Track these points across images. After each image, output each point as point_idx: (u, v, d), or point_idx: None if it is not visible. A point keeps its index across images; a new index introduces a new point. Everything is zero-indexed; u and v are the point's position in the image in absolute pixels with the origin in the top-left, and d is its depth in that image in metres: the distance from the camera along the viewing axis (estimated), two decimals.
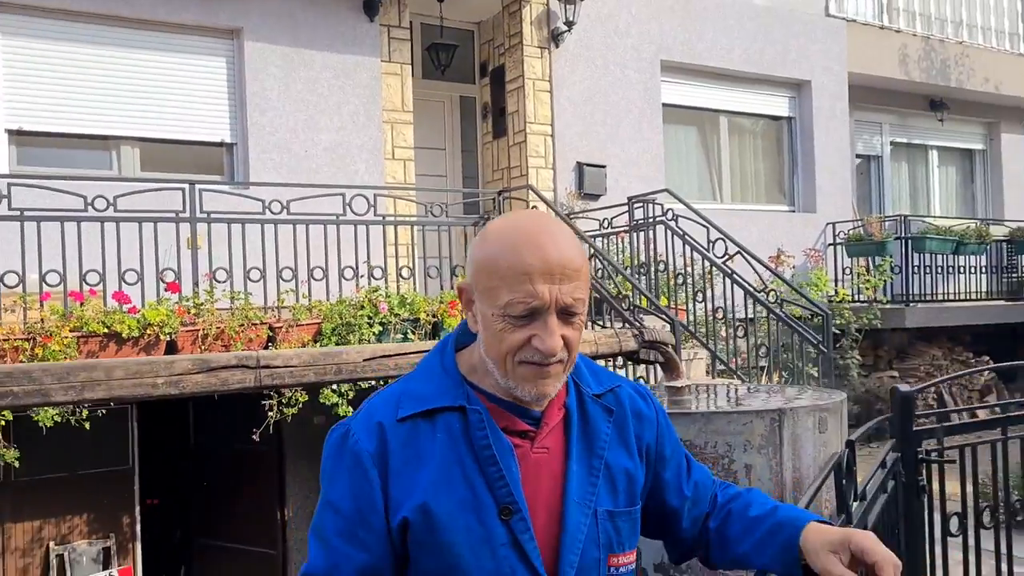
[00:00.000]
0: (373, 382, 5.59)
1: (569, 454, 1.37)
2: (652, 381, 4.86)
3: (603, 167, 8.63)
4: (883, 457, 3.27)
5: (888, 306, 9.56)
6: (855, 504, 2.65)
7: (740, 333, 6.61)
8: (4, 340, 4.86)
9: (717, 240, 6.71)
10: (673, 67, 9.32)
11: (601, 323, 6.12)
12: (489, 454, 1.31)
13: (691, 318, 7.17)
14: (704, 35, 9.43)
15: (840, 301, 9.27)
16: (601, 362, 5.36)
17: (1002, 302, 10.90)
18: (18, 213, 5.15)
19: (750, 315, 6.84)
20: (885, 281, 9.57)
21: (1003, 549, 3.89)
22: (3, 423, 5.00)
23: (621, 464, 1.43)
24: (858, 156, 11.54)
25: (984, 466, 3.87)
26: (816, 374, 8.15)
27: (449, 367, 1.38)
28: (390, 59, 7.77)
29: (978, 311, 10.38)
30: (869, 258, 9.74)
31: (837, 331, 9.07)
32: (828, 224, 10.07)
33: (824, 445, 2.52)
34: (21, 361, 4.57)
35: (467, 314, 1.37)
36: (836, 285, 9.66)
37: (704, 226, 6.78)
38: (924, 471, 3.58)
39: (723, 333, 7.13)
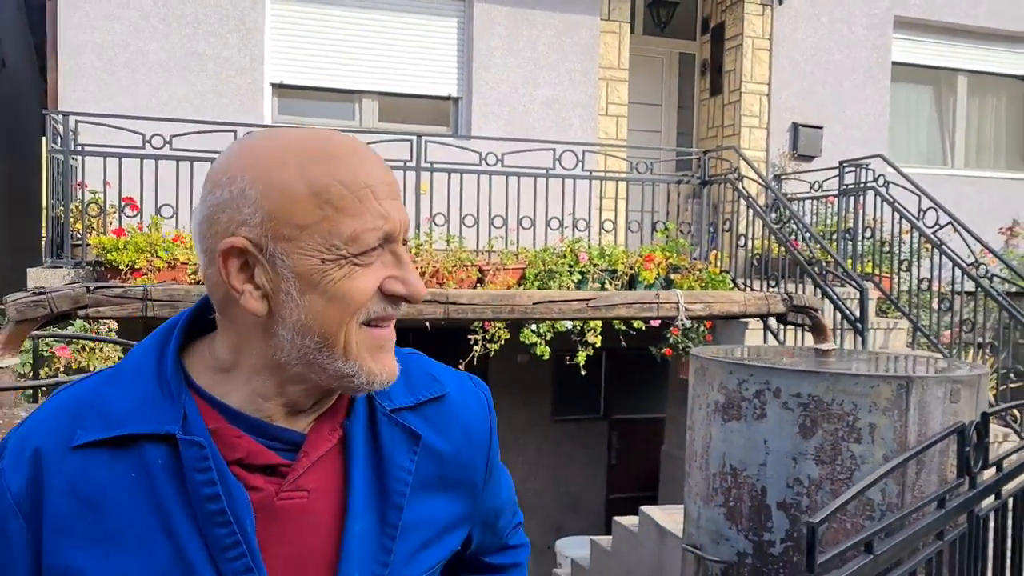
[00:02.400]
0: (570, 324, 6.08)
1: (348, 503, 0.95)
2: (800, 343, 4.97)
3: (820, 128, 8.48)
4: None
5: None
6: (985, 472, 2.78)
7: (945, 307, 6.42)
8: None
9: (929, 209, 6.51)
10: (908, 23, 8.89)
11: (792, 285, 6.21)
12: (216, 508, 0.89)
13: (897, 288, 7.02)
14: None
15: None
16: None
17: None
18: None
19: (965, 290, 6.61)
20: None
21: None
22: None
23: (435, 514, 1.03)
24: None
25: None
26: None
27: (167, 370, 0.93)
28: (609, 17, 8.05)
29: None
30: None
31: None
32: None
33: (955, 414, 2.66)
34: None
35: (234, 288, 0.89)
36: None
37: (916, 194, 6.59)
38: None
39: (933, 306, 6.93)
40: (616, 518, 5.61)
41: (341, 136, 0.94)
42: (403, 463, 0.99)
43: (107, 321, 4.86)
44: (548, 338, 6.28)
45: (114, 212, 6.03)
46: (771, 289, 6.08)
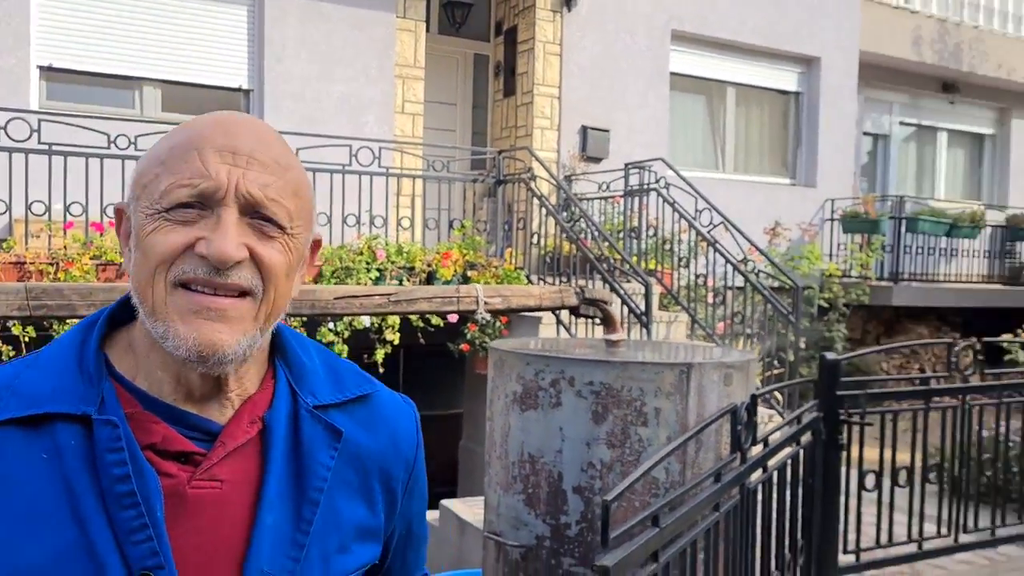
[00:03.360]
0: (368, 321, 6.04)
1: (262, 494, 0.93)
2: (592, 335, 5.27)
3: (607, 131, 8.91)
4: (798, 414, 3.66)
5: (877, 283, 9.85)
6: (754, 448, 3.05)
7: (719, 301, 6.96)
8: (31, 263, 5.32)
9: (704, 210, 7.03)
10: (684, 37, 9.53)
11: (583, 281, 6.50)
12: (125, 490, 0.87)
13: (677, 284, 7.52)
14: (717, 6, 9.62)
15: (830, 276, 9.57)
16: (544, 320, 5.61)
17: (999, 286, 11.15)
18: (47, 147, 5.56)
19: (736, 285, 7.20)
20: (876, 259, 9.84)
21: (915, 506, 4.28)
22: (27, 339, 5.46)
23: (351, 516, 1.01)
24: (866, 134, 11.72)
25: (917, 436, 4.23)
26: (802, 345, 8.52)
27: (89, 352, 0.93)
28: (404, 15, 8.06)
29: (967, 293, 10.65)
30: (864, 235, 10.01)
31: (825, 305, 9.41)
32: (827, 200, 10.33)
33: (728, 396, 2.89)
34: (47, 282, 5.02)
35: (124, 252, 0.95)
36: (830, 260, 9.95)
37: (693, 195, 7.09)
38: (845, 431, 3.97)
39: (709, 300, 7.48)
40: None
41: (228, 112, 0.98)
42: (323, 459, 0.98)
43: None
44: (346, 336, 6.21)
45: None
46: (565, 283, 6.33)
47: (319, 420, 0.99)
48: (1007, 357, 6.98)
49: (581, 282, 6.56)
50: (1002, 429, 4.71)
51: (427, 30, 8.43)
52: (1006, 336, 6.86)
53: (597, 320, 3.20)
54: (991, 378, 4.60)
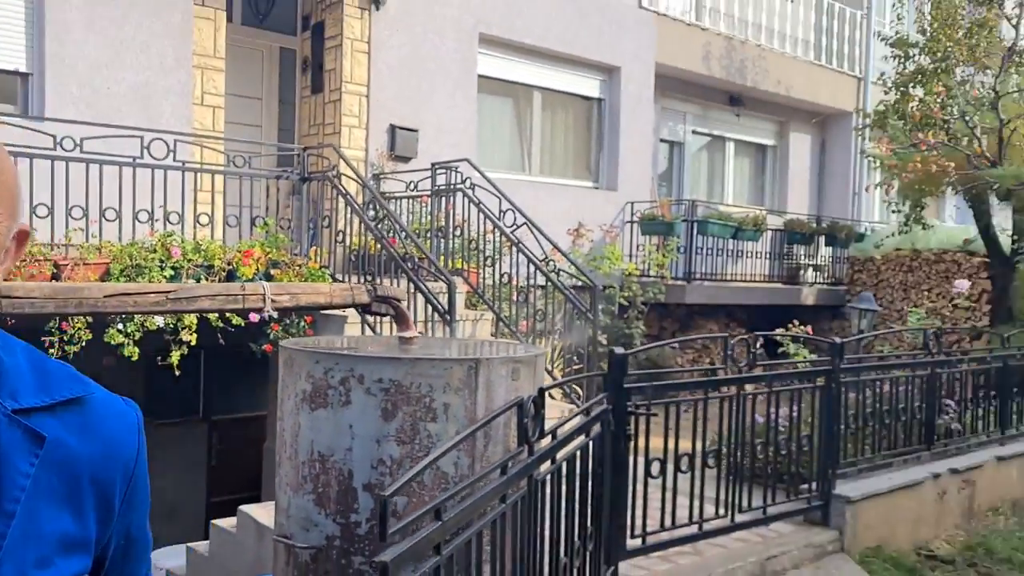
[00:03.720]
0: (162, 321, 5.75)
1: None
2: (388, 333, 5.32)
3: (415, 131, 8.93)
4: (587, 407, 3.83)
5: (672, 282, 10.45)
6: (542, 440, 3.16)
7: (523, 299, 7.15)
8: None
9: (508, 210, 7.20)
10: (491, 40, 9.71)
11: (389, 280, 6.48)
12: None
13: (483, 283, 7.65)
14: (523, 12, 9.86)
15: (629, 275, 10.05)
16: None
17: (780, 285, 12.11)
18: None
19: (539, 283, 7.41)
20: (671, 259, 10.43)
21: (696, 489, 4.59)
22: None
23: (55, 527, 0.95)
24: (663, 141, 12.40)
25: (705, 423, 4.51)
26: (604, 341, 8.88)
27: None
28: (203, 3, 7.72)
29: (752, 291, 11.51)
30: (660, 237, 10.58)
31: (625, 303, 9.87)
32: (628, 203, 10.84)
33: (516, 391, 2.98)
34: None
35: None
36: (630, 260, 10.45)
37: (497, 196, 7.24)
38: (632, 422, 4.19)
39: (514, 298, 7.66)
40: (214, 521, 5.42)
41: None
42: (21, 467, 0.91)
43: None
44: (137, 338, 5.88)
45: None
46: (371, 282, 6.29)
47: (18, 424, 0.93)
48: (780, 350, 7.60)
49: (388, 282, 6.55)
50: (773, 416, 5.13)
51: (228, 20, 8.12)
52: (779, 331, 7.46)
53: (391, 317, 3.21)
54: (762, 369, 5.00)
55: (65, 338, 5.62)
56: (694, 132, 12.80)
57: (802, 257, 12.42)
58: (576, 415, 3.60)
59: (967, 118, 9.12)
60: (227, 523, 5.36)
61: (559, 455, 3.32)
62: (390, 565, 1.93)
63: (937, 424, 6.31)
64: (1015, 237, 9.09)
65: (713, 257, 10.86)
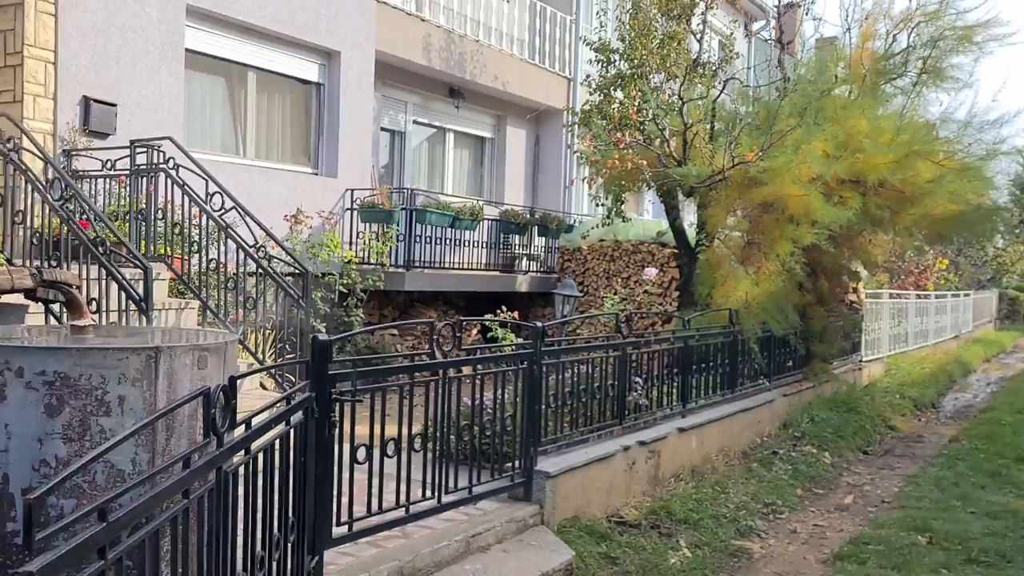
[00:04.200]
0: None
1: None
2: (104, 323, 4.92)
3: (114, 105, 8.23)
4: (288, 394, 3.75)
5: (391, 270, 10.51)
6: (235, 431, 3.04)
7: (231, 286, 6.85)
8: None
9: (215, 193, 6.85)
10: (201, 13, 9.17)
11: (80, 267, 5.94)
12: None
13: (190, 269, 7.23)
14: None
15: (349, 262, 9.97)
16: None
17: (497, 273, 12.58)
18: None
19: (250, 271, 7.13)
20: (391, 247, 10.49)
21: (403, 473, 4.65)
22: None
23: None
24: (384, 130, 12.41)
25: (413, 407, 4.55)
26: (323, 329, 8.73)
27: None
28: None
29: (470, 279, 11.87)
30: (380, 225, 10.59)
31: (344, 290, 9.78)
32: (348, 190, 10.73)
33: (203, 380, 2.84)
34: None
35: None
36: (350, 248, 10.37)
37: (204, 178, 6.87)
38: (337, 408, 4.16)
39: (226, 286, 7.31)
40: None
41: None
42: None
43: None
44: None
45: None
46: (36, 265, 5.71)
47: None
48: (489, 335, 7.91)
49: (77, 267, 5.99)
50: (479, 398, 5.31)
51: None
52: (487, 316, 7.75)
53: (62, 303, 2.93)
54: (467, 354, 5.16)
55: None
56: (415, 122, 12.94)
57: (518, 247, 13.00)
58: (273, 404, 3.51)
59: (658, 121, 10.00)
60: None
61: (254, 445, 3.21)
62: (36, 575, 1.76)
63: (628, 400, 6.87)
64: (698, 230, 10.10)
65: (432, 246, 11.06)
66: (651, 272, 10.61)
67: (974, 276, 32.57)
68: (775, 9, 13.39)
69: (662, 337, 7.97)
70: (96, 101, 8.09)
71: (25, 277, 2.71)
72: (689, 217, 11.49)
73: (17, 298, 4.57)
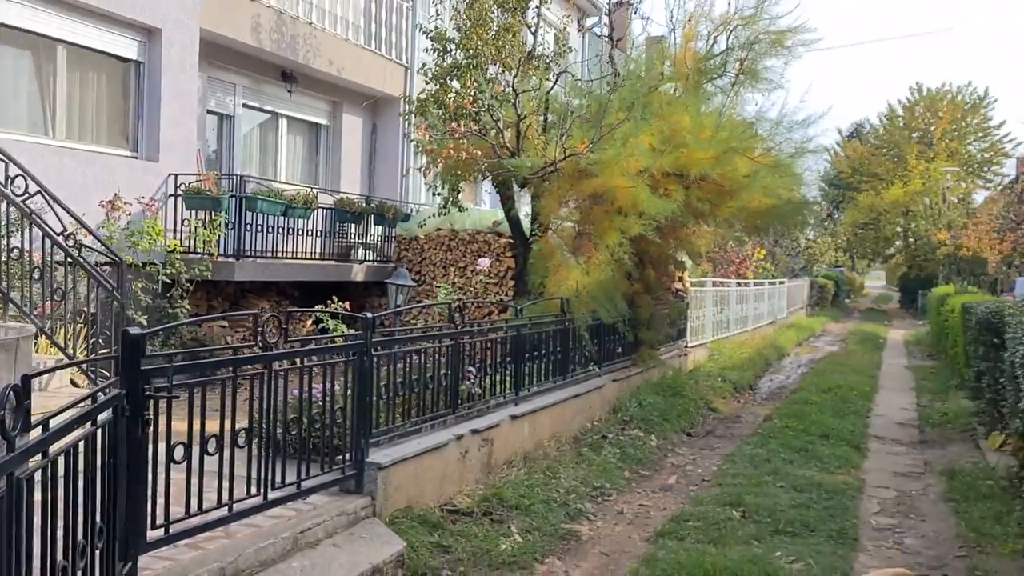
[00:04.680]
0: None
1: None
2: None
3: None
4: (94, 392, 3.52)
5: (220, 259, 10.09)
6: (29, 434, 2.83)
7: (37, 276, 6.37)
8: None
9: (17, 176, 6.35)
10: None
11: None
12: None
13: None
14: None
15: (173, 251, 9.50)
16: None
17: (333, 262, 12.32)
18: None
19: (55, 259, 6.65)
20: (219, 236, 10.06)
21: (227, 470, 4.48)
22: None
23: None
24: (211, 113, 11.88)
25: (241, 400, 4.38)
26: (145, 322, 8.28)
27: None
28: None
29: (305, 268, 11.57)
30: (208, 212, 10.14)
31: (168, 281, 9.31)
32: (171, 175, 10.20)
33: None
34: None
35: None
36: (174, 236, 9.87)
37: (3, 160, 6.35)
38: (152, 406, 3.95)
39: (30, 276, 6.79)
40: None
41: None
42: None
43: None
44: None
45: None
46: None
47: None
48: (320, 326, 7.75)
49: None
50: (307, 391, 5.19)
51: None
52: (318, 307, 7.59)
53: None
54: (295, 345, 5.03)
55: None
56: (245, 106, 12.46)
57: (354, 236, 12.79)
58: (77, 402, 3.28)
59: (493, 112, 10.08)
60: None
61: (53, 448, 3.00)
62: None
63: (461, 389, 6.92)
64: (533, 220, 10.28)
65: (264, 234, 10.70)
66: (484, 262, 10.71)
67: (788, 265, 34.93)
68: (607, 6, 13.80)
69: (496, 326, 8.07)
70: None
71: None
72: (524, 207, 11.66)
73: None
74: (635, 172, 9.23)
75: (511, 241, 11.58)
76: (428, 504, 6.05)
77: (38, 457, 2.89)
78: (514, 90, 9.99)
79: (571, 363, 9.41)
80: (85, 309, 6.66)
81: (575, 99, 11.00)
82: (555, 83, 10.57)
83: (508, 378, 7.87)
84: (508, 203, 10.72)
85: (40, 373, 2.81)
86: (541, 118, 10.24)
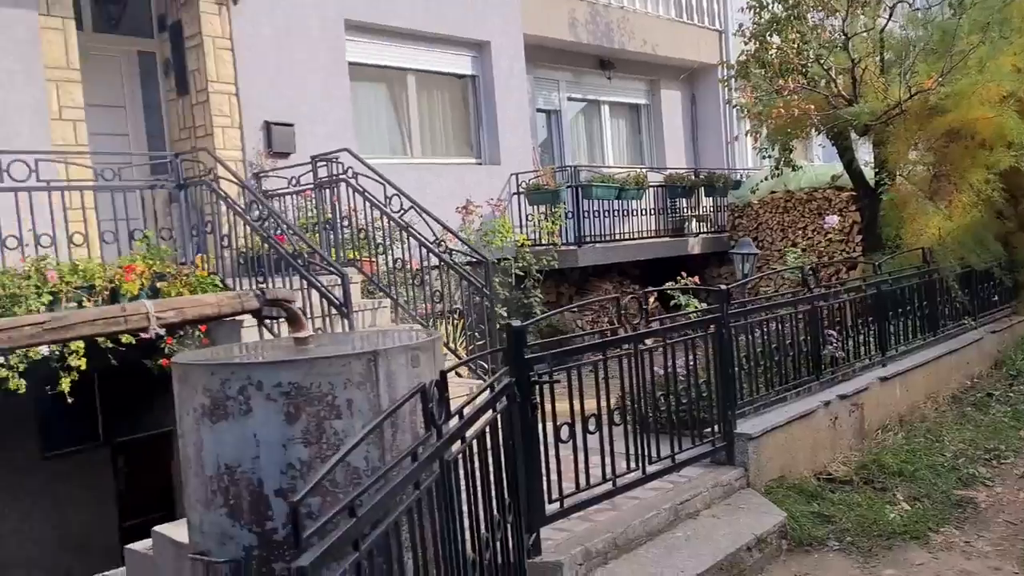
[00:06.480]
0: (46, 350, 5.53)
1: None
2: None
3: (291, 125, 8.77)
4: (491, 382, 3.90)
5: (563, 248, 10.62)
6: (450, 422, 3.22)
7: (418, 282, 7.17)
8: None
9: (393, 196, 7.18)
10: (358, 26, 9.59)
11: (282, 280, 6.40)
12: None
13: (378, 270, 7.63)
14: None
15: (522, 246, 10.17)
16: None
17: (668, 238, 12.46)
18: None
19: (433, 264, 7.44)
20: (560, 226, 10.60)
21: (607, 447, 4.74)
22: None
23: None
24: (540, 111, 12.52)
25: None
26: (504, 313, 8.99)
27: None
28: (48, 12, 7.37)
29: (642, 248, 11.81)
30: (547, 205, 10.73)
31: (520, 273, 10.00)
32: (512, 175, 10.93)
33: (417, 377, 3.03)
34: None
35: None
36: (521, 231, 10.57)
37: (381, 183, 7.21)
38: (537, 391, 4.29)
39: (411, 282, 7.66)
40: (128, 546, 5.29)
41: None
42: None
43: None
44: (22, 369, 5.65)
45: None
46: (260, 286, 6.20)
47: None
48: (672, 302, 7.86)
49: (281, 281, 6.46)
50: (671, 367, 5.32)
51: (79, 27, 7.77)
52: (668, 284, 7.71)
53: (283, 319, 3.20)
54: (656, 324, 5.18)
55: None
56: (569, 99, 12.96)
57: (685, 209, 12.80)
58: (481, 392, 3.67)
59: (822, 61, 9.53)
60: (142, 546, 5.24)
61: (468, 434, 3.38)
62: (308, 569, 1.96)
63: (823, 354, 6.66)
64: (877, 169, 9.58)
65: (601, 219, 11.08)
66: (833, 220, 10.17)
67: None
68: None
69: (852, 286, 7.65)
70: (276, 124, 8.65)
71: (251, 299, 2.98)
72: (864, 157, 10.90)
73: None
74: (997, 99, 8.23)
75: (853, 194, 10.89)
76: (802, 473, 5.92)
77: (458, 443, 3.28)
78: (844, 34, 9.37)
79: (940, 317, 8.64)
80: (457, 306, 7.37)
81: (915, 31, 10.05)
82: (889, 18, 9.73)
83: (871, 339, 7.43)
84: (847, 155, 10.08)
85: (451, 368, 3.18)
86: (877, 59, 9.49)
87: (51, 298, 5.86)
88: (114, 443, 9.19)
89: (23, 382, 5.60)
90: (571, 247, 10.79)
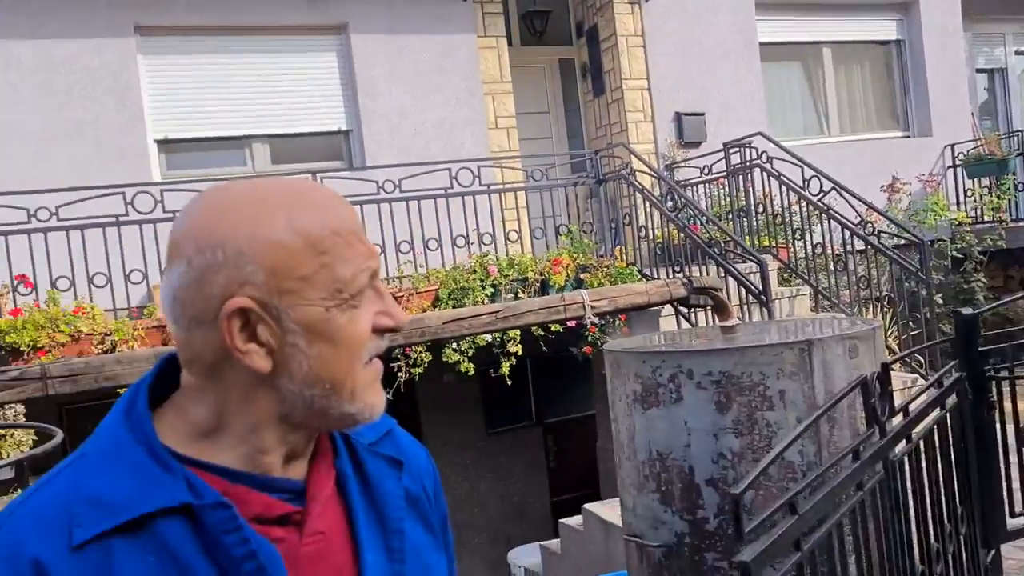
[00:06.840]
0: (489, 337, 6.14)
1: (359, 537, 0.98)
2: (713, 322, 5.18)
3: (702, 115, 8.76)
4: (938, 377, 3.50)
5: (1013, 225, 9.29)
6: (894, 419, 2.94)
7: (841, 268, 6.73)
8: None
9: (812, 177, 6.82)
10: (768, 4, 9.28)
11: (697, 268, 6.41)
12: (252, 567, 0.88)
13: (795, 256, 7.31)
14: None
15: (960, 225, 9.10)
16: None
17: None
18: (171, 215, 5.92)
19: (857, 248, 6.94)
20: (1008, 200, 9.29)
21: None
22: None
23: (421, 539, 1.06)
24: (979, 71, 11.08)
25: None
26: (940, 300, 8.13)
27: (151, 443, 0.89)
28: (485, 33, 8.16)
29: None
30: (991, 177, 9.46)
31: (959, 255, 8.95)
32: (946, 146, 9.82)
33: (856, 368, 2.81)
34: None
35: (237, 349, 0.88)
36: (957, 208, 9.47)
37: (798, 165, 6.89)
38: (994, 388, 3.78)
39: (831, 268, 7.24)
40: (562, 520, 5.68)
41: (310, 183, 0.96)
42: (392, 490, 1.03)
43: (12, 405, 4.70)
44: (470, 354, 6.33)
45: (7, 292, 5.82)
46: (676, 275, 6.27)
47: (377, 455, 1.04)
48: None
49: (695, 270, 6.48)
50: None
51: (509, 44, 8.52)
52: None
53: (710, 307, 3.16)
54: None
55: (410, 361, 6.19)
56: (1017, 53, 11.29)
57: None
58: (927, 388, 3.31)
59: None
60: (574, 521, 5.59)
61: (913, 433, 3.07)
62: (751, 565, 1.89)
63: None
64: None
65: None
66: None
67: None
68: None
69: None
70: (686, 114, 8.70)
71: (679, 287, 3.00)
72: None
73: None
74: None
75: None
76: None
77: (903, 443, 2.99)
78: None
79: None
80: (884, 293, 6.79)
81: None
82: None
83: None
84: None
85: (895, 360, 2.90)
86: None
87: (492, 290, 6.49)
88: (545, 424, 9.97)
89: (471, 365, 6.26)
90: (1021, 224, 9.39)
